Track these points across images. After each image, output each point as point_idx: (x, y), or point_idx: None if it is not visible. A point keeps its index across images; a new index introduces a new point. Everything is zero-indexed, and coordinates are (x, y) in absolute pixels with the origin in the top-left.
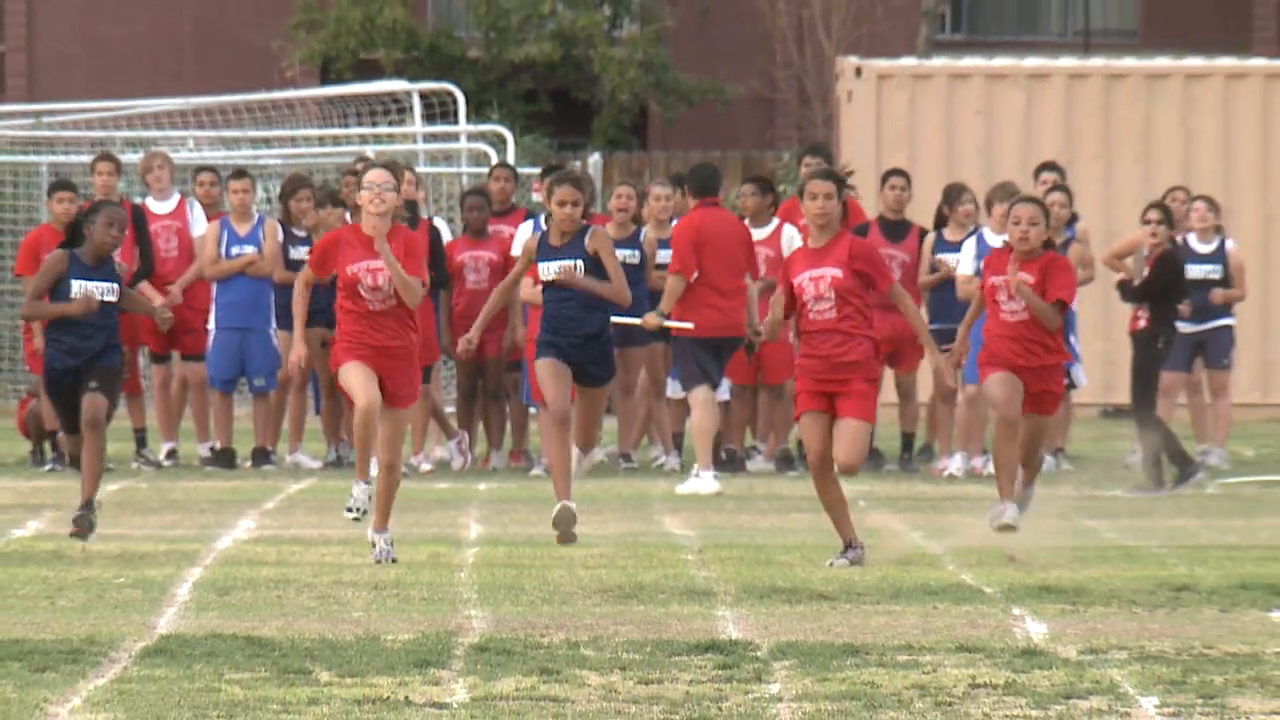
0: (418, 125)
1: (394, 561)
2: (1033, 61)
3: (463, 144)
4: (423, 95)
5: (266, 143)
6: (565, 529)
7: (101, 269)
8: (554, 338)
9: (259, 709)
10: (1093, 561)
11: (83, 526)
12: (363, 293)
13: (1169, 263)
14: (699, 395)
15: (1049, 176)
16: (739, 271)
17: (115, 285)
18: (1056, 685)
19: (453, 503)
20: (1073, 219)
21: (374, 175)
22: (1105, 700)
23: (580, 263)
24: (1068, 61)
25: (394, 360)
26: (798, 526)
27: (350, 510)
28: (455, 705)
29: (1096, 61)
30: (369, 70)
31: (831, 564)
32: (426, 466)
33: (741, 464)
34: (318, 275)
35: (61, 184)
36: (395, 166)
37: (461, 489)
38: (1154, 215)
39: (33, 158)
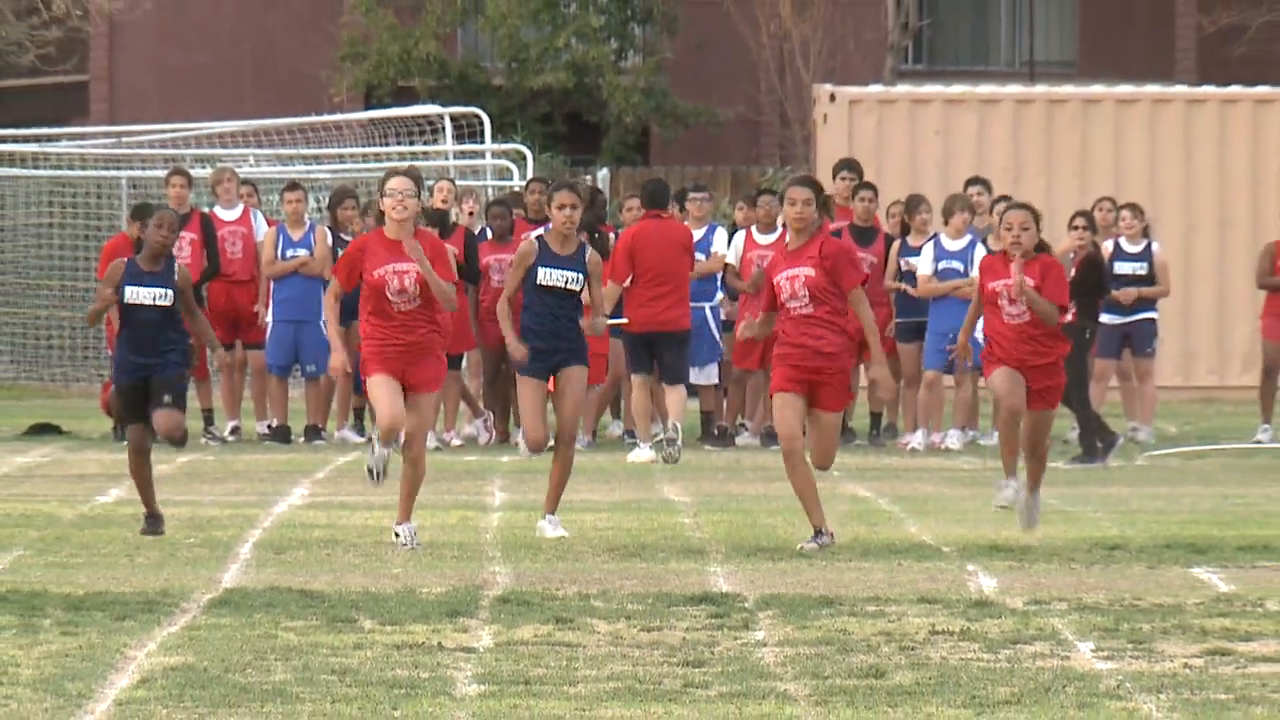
0: (449, 144)
1: (419, 546)
2: (984, 89)
3: (488, 160)
4: (453, 118)
5: (317, 159)
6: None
7: (157, 275)
8: (535, 345)
9: (310, 653)
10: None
11: (153, 525)
12: (389, 295)
13: (1092, 264)
14: (637, 380)
15: (976, 190)
16: (675, 273)
17: (169, 291)
18: (1005, 632)
19: (479, 473)
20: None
21: (396, 183)
22: (1048, 645)
23: (583, 275)
24: (1014, 89)
25: (419, 355)
26: (780, 494)
27: (371, 472)
28: (481, 649)
29: (1039, 89)
30: (406, 96)
31: (801, 548)
32: (457, 441)
33: (731, 440)
34: (345, 287)
35: (142, 208)
36: (416, 174)
37: (487, 461)
38: (1079, 222)
39: (114, 173)
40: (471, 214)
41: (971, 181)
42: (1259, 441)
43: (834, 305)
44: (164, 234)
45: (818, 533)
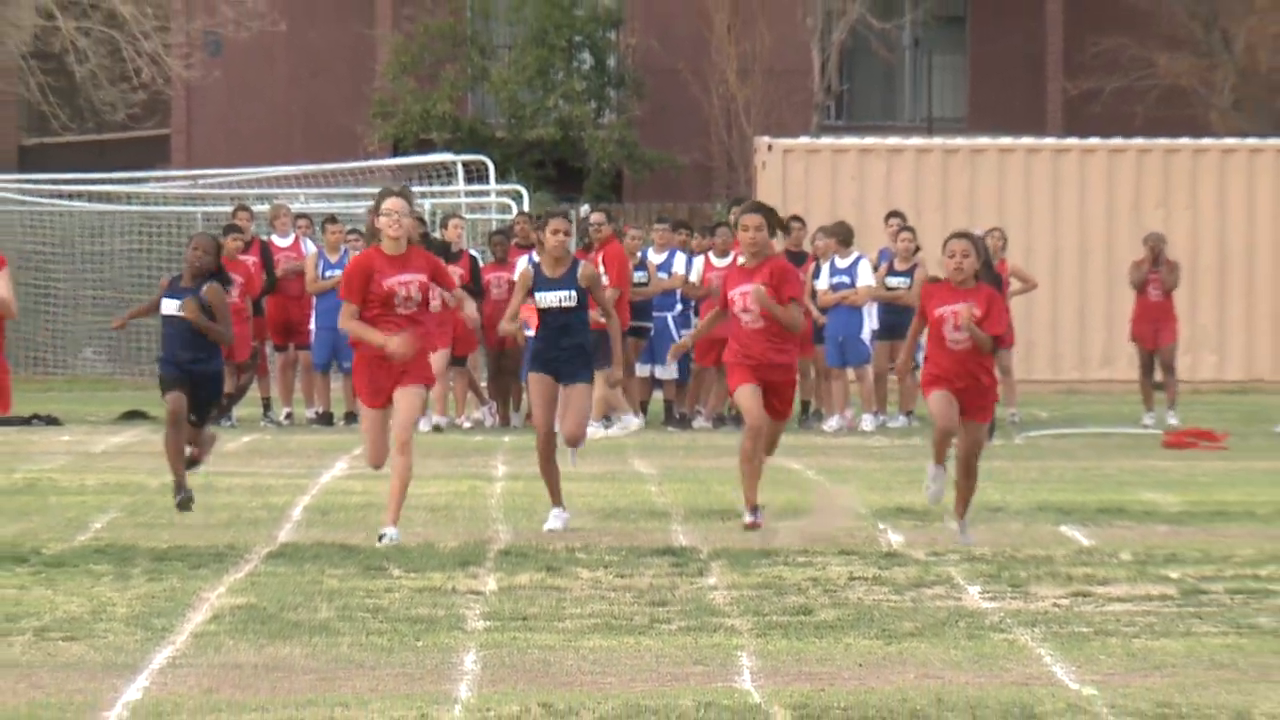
0: (460, 185)
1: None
2: (891, 140)
3: (492, 198)
4: (464, 164)
5: (354, 198)
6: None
7: (190, 290)
8: (540, 354)
9: (349, 595)
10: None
11: (185, 503)
12: (397, 303)
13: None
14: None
15: (895, 220)
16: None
17: (194, 297)
18: (909, 578)
19: (485, 450)
20: (917, 250)
21: (390, 203)
22: (944, 589)
23: (575, 292)
24: (916, 140)
25: (407, 363)
26: (728, 466)
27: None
28: (488, 592)
29: (936, 140)
30: (426, 146)
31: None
32: (467, 424)
33: (689, 423)
34: (359, 303)
35: (230, 228)
36: (408, 194)
37: (491, 440)
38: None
39: (190, 208)
40: (459, 233)
41: (891, 214)
42: (1146, 426)
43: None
44: (199, 255)
45: (754, 510)
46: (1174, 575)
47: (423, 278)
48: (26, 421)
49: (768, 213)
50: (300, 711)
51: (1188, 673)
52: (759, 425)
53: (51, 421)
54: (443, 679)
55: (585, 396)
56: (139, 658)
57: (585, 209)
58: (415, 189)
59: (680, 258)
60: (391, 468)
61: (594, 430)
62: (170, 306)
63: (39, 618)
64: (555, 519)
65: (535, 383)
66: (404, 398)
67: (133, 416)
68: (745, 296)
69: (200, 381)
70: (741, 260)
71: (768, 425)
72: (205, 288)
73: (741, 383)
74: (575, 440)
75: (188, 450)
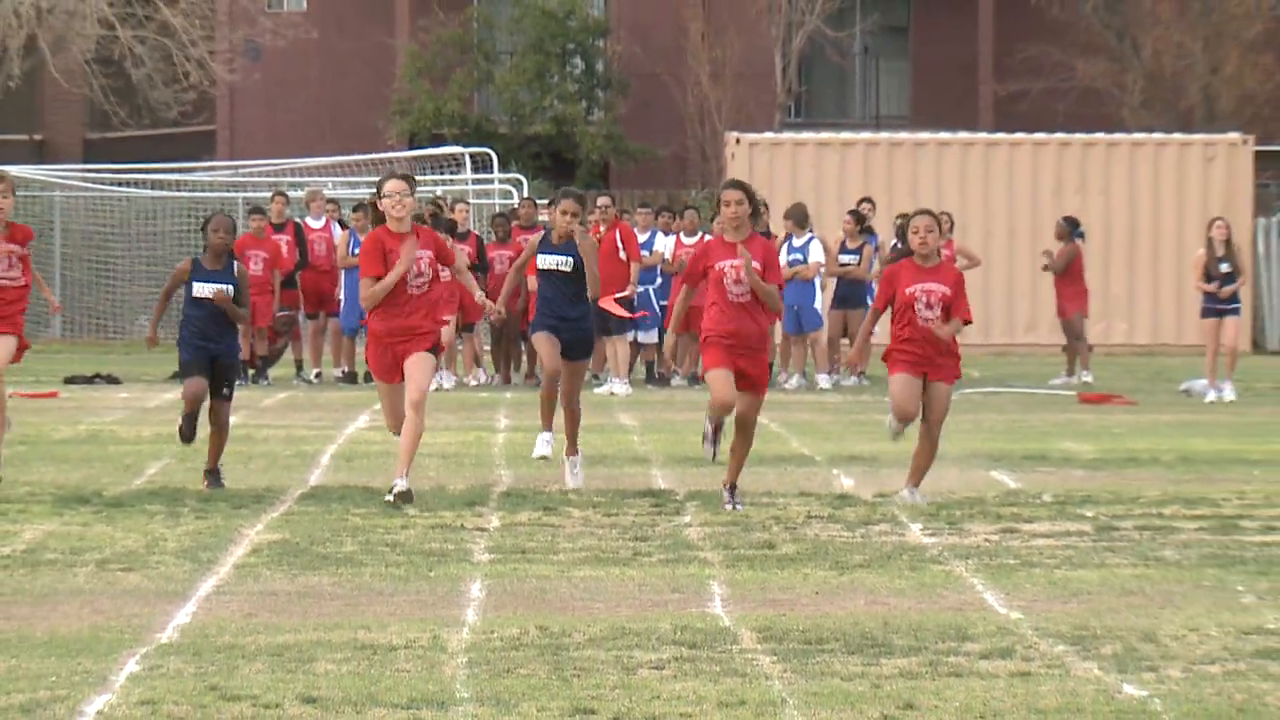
0: (468, 174)
1: (400, 504)
2: (844, 135)
3: (495, 185)
4: (471, 156)
5: (364, 189)
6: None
7: (220, 273)
8: (546, 319)
9: (371, 531)
10: (881, 440)
11: (214, 481)
12: (409, 279)
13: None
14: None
15: (865, 204)
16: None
17: (229, 287)
18: (859, 516)
19: (490, 405)
20: (871, 232)
21: (392, 185)
22: (889, 526)
23: (572, 259)
24: (865, 135)
25: (416, 339)
26: (701, 420)
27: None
28: (491, 529)
29: (883, 135)
30: (438, 140)
31: (727, 507)
32: (473, 383)
33: (667, 382)
34: (380, 273)
35: (255, 209)
36: (409, 176)
37: (495, 396)
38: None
39: (234, 195)
40: (464, 215)
41: (863, 200)
42: (1054, 386)
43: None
44: (221, 235)
45: (733, 489)
46: (1089, 514)
47: (429, 254)
48: (90, 380)
49: (748, 190)
50: (328, 633)
51: (1101, 599)
52: (726, 404)
53: (112, 380)
54: (452, 605)
55: (582, 374)
56: (187, 586)
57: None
58: (428, 177)
59: (660, 237)
60: (405, 424)
61: (622, 388)
62: (205, 290)
63: (100, 551)
64: (543, 444)
65: (543, 340)
66: (416, 363)
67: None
68: (738, 269)
69: (221, 361)
70: (726, 235)
71: (741, 401)
72: (236, 271)
73: (714, 365)
74: (570, 398)
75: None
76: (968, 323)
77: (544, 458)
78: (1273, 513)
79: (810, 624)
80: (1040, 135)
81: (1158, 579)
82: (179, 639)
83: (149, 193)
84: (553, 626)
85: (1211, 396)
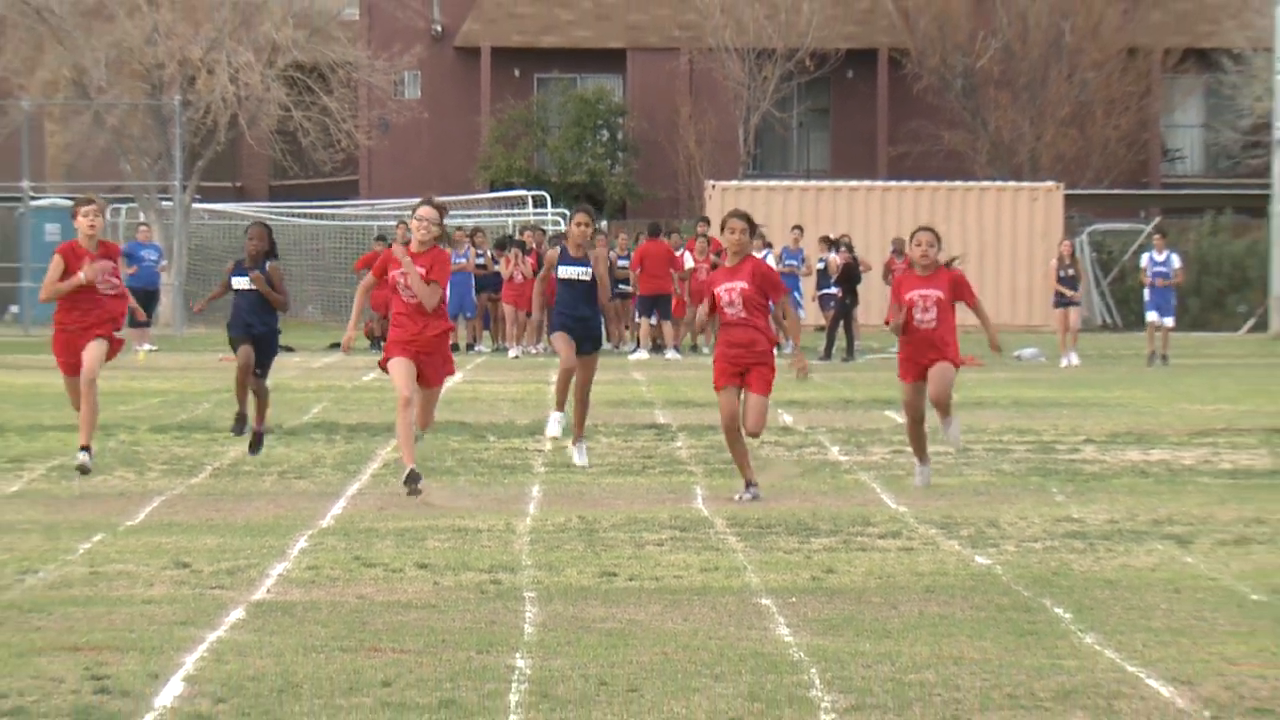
0: (530, 209)
1: (416, 488)
2: (786, 182)
3: (549, 217)
4: (532, 197)
5: (468, 217)
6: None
7: (257, 269)
8: (563, 319)
9: (464, 452)
10: (813, 389)
11: (239, 429)
12: (400, 291)
13: (850, 266)
14: (642, 322)
15: (795, 231)
16: (663, 268)
17: (260, 275)
18: (795, 441)
19: (546, 366)
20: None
21: (423, 211)
22: (816, 448)
23: (588, 268)
24: (800, 183)
25: (428, 351)
26: (693, 377)
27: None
28: (546, 450)
29: (812, 183)
30: (509, 186)
31: (739, 499)
32: (533, 351)
33: (663, 351)
34: (376, 277)
35: (379, 236)
36: (441, 205)
37: (548, 359)
38: (844, 243)
39: (369, 223)
40: (533, 237)
41: (795, 226)
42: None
43: (759, 312)
44: (255, 243)
45: (748, 485)
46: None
47: (423, 270)
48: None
49: (748, 219)
50: (435, 521)
51: (961, 498)
52: (731, 424)
53: (288, 350)
54: (519, 501)
55: (593, 367)
56: (339, 489)
57: (604, 224)
58: (499, 211)
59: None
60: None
61: (674, 356)
62: (241, 282)
63: (280, 466)
64: (554, 424)
65: (561, 339)
66: (424, 398)
67: (334, 347)
68: (731, 292)
69: (261, 341)
70: (728, 261)
71: (749, 398)
72: (268, 265)
73: (721, 384)
74: (583, 389)
75: (253, 425)
76: (972, 301)
77: (555, 438)
78: (1077, 439)
79: (762, 515)
80: (919, 183)
81: (999, 484)
82: (333, 524)
83: (311, 221)
84: (588, 516)
85: (1064, 363)
